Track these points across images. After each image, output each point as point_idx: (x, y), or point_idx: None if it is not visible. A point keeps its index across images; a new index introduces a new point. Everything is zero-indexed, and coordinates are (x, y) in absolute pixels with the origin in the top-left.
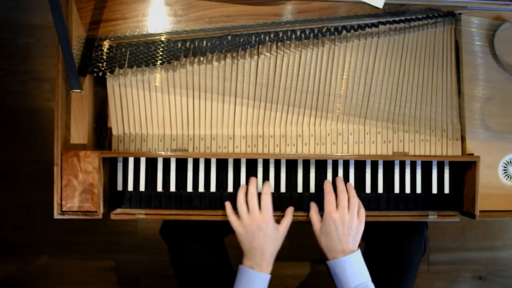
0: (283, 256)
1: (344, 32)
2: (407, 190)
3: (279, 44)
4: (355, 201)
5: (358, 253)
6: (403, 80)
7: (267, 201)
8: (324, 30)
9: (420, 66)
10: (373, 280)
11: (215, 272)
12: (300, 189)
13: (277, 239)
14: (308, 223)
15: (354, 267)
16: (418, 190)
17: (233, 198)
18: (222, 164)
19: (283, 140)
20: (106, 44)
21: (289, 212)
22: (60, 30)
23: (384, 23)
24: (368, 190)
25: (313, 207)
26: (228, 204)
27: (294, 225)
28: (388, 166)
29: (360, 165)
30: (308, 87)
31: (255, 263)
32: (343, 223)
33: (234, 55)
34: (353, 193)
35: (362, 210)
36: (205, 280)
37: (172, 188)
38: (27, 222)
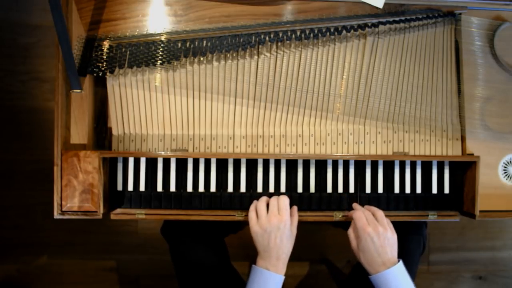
0: None
1: (344, 32)
2: (407, 190)
3: (279, 44)
4: (381, 213)
5: (400, 265)
6: (403, 80)
7: (285, 202)
8: (324, 30)
9: (420, 66)
10: None
11: (215, 271)
12: (300, 189)
13: (292, 240)
14: (308, 223)
15: (397, 280)
16: (418, 190)
17: (233, 198)
18: (222, 164)
19: (283, 140)
20: (106, 44)
21: (295, 211)
22: (60, 30)
23: (384, 23)
24: (368, 190)
25: (352, 224)
26: (254, 202)
27: None
28: (388, 166)
29: (360, 165)
30: (308, 87)
31: (270, 263)
32: (378, 234)
33: (234, 55)
34: (374, 208)
35: (389, 220)
36: (206, 279)
37: (172, 188)
38: (27, 222)
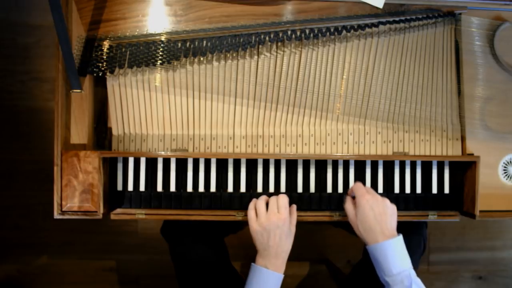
0: None
1: (344, 32)
2: (407, 190)
3: (279, 44)
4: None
5: (400, 238)
6: (403, 80)
7: (284, 200)
8: (324, 30)
9: (420, 66)
10: (373, 280)
11: (216, 271)
12: (300, 189)
13: (291, 238)
14: (308, 223)
15: (396, 252)
16: (418, 190)
17: (233, 198)
18: (222, 164)
19: (283, 140)
20: (106, 44)
21: (294, 210)
22: (60, 30)
23: (384, 23)
24: None
25: (349, 199)
26: (253, 200)
27: None
28: (388, 166)
29: (360, 165)
30: (308, 87)
31: (269, 262)
32: (377, 201)
33: (234, 55)
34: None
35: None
36: (206, 279)
37: (172, 188)
38: (27, 222)
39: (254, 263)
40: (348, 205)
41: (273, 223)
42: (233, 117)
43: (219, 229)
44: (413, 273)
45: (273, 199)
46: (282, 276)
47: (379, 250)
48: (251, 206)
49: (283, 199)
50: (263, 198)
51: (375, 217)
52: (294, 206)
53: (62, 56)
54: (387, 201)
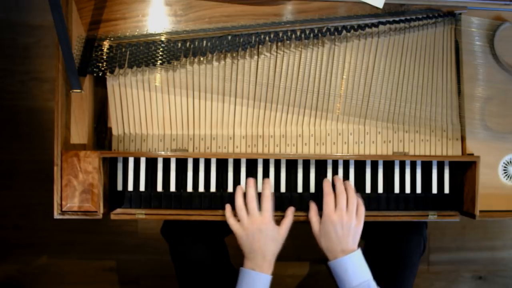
0: (283, 256)
1: (344, 32)
2: (407, 190)
3: (279, 44)
4: (354, 201)
5: (359, 252)
6: (403, 80)
7: (268, 203)
8: (324, 30)
9: (420, 66)
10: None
11: (216, 271)
12: (300, 189)
13: (277, 241)
14: (309, 223)
15: (355, 266)
16: (418, 190)
17: (232, 198)
18: (222, 164)
19: (283, 140)
20: (106, 44)
21: (290, 212)
22: (60, 30)
23: (384, 23)
24: (368, 190)
25: (313, 208)
26: (228, 207)
27: (294, 225)
28: (388, 166)
29: (360, 165)
30: (308, 87)
31: (256, 264)
32: (342, 224)
33: (234, 55)
34: (351, 193)
35: (362, 208)
36: (206, 279)
37: (172, 188)
38: (27, 222)
39: (242, 266)
40: (313, 216)
41: (255, 227)
42: (233, 117)
43: (219, 229)
44: (372, 283)
45: (251, 202)
46: (269, 277)
47: (339, 266)
48: (228, 214)
49: (267, 202)
50: (240, 200)
51: (338, 238)
52: (291, 209)
53: (62, 56)
54: (352, 222)
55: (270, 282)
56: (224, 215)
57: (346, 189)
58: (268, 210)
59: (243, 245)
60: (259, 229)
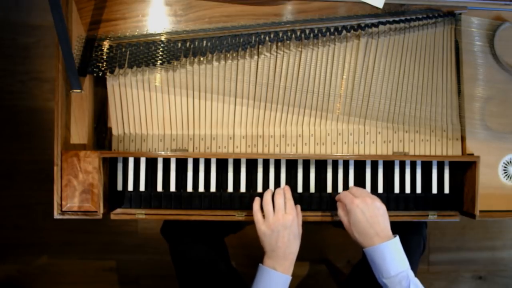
0: None
1: (344, 32)
2: (407, 190)
3: (279, 44)
4: (364, 189)
5: (397, 240)
6: (403, 80)
7: (291, 201)
8: (324, 30)
9: (420, 66)
10: (373, 280)
11: (216, 271)
12: (300, 189)
13: (299, 239)
14: (308, 223)
15: (394, 254)
16: (418, 190)
17: (233, 198)
18: (222, 164)
19: (283, 140)
20: (106, 44)
21: (298, 210)
22: (60, 30)
23: (384, 23)
24: (368, 190)
25: (340, 205)
26: (257, 200)
27: None
28: (388, 166)
29: (360, 165)
30: (308, 87)
31: (278, 263)
32: (367, 204)
33: (234, 55)
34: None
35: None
36: (206, 279)
37: (172, 188)
38: (27, 222)
39: (261, 264)
40: (341, 212)
41: (281, 223)
42: (233, 117)
43: (219, 229)
44: (411, 273)
45: (279, 198)
46: (290, 278)
47: (377, 253)
48: (256, 207)
49: (290, 199)
50: (268, 199)
51: (367, 220)
52: (299, 207)
53: (62, 56)
54: (377, 201)
55: (289, 283)
56: (223, 215)
57: (354, 187)
58: (293, 207)
59: (265, 242)
60: (285, 226)
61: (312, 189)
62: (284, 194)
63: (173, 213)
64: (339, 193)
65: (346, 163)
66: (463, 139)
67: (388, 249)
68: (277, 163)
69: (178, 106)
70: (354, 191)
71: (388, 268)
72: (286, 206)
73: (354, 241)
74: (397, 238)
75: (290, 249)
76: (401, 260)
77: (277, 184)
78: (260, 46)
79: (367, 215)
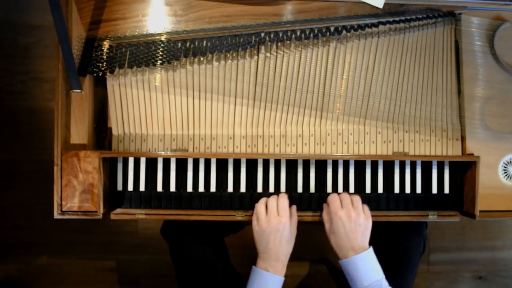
0: None
1: (344, 32)
2: (407, 190)
3: (279, 44)
4: (358, 198)
5: (370, 251)
6: (403, 80)
7: (285, 203)
8: (324, 30)
9: (420, 66)
10: None
11: (216, 271)
12: (300, 189)
13: (291, 241)
14: (308, 223)
15: (367, 265)
16: (418, 190)
17: (233, 198)
18: (222, 164)
19: (283, 140)
20: (106, 44)
21: (294, 211)
22: (60, 30)
23: (384, 23)
24: (368, 190)
25: (326, 208)
26: (260, 201)
27: None
28: (388, 166)
29: (360, 165)
30: (308, 87)
31: (270, 265)
32: (350, 219)
33: (234, 55)
34: (354, 195)
35: (366, 206)
36: (206, 279)
37: (172, 188)
38: (27, 222)
39: (254, 265)
40: (325, 215)
41: (273, 226)
42: (233, 117)
43: (219, 229)
44: (384, 283)
45: (272, 201)
46: (282, 279)
47: (350, 265)
48: (255, 210)
49: (283, 201)
50: (263, 200)
51: (346, 234)
52: (294, 207)
53: (62, 56)
54: (361, 217)
55: (282, 284)
56: (223, 215)
57: (346, 194)
58: (286, 209)
59: (258, 243)
60: (277, 228)
61: (312, 189)
62: (279, 197)
63: (173, 213)
64: (330, 194)
65: (346, 163)
66: (463, 139)
67: (361, 260)
68: (277, 163)
69: (178, 106)
70: (343, 199)
71: (362, 279)
72: (279, 208)
73: (330, 248)
74: (371, 249)
75: (282, 252)
76: (374, 270)
77: (277, 184)
78: (260, 46)
79: (347, 229)
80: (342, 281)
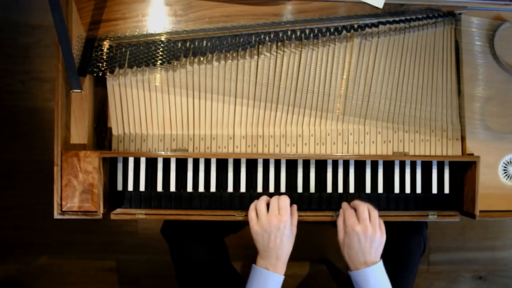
0: None
1: (344, 32)
2: (407, 190)
3: (279, 44)
4: (376, 213)
5: (381, 264)
6: (403, 80)
7: (286, 202)
8: (324, 30)
9: (420, 66)
10: None
11: (216, 271)
12: (300, 189)
13: (292, 240)
14: (308, 222)
15: (377, 278)
16: (418, 190)
17: (233, 198)
18: (222, 164)
19: (283, 140)
20: (106, 44)
21: (294, 210)
22: (60, 30)
23: (384, 23)
24: (368, 190)
25: (341, 215)
26: (255, 201)
27: None
28: (388, 166)
29: (360, 165)
30: (308, 87)
31: (270, 263)
32: (366, 235)
33: (234, 55)
34: (371, 206)
35: (382, 222)
36: (206, 279)
37: (172, 188)
38: (27, 222)
39: (254, 264)
40: (341, 223)
41: (274, 225)
42: (233, 117)
43: (219, 229)
44: None
45: (274, 200)
46: (282, 277)
47: (361, 277)
48: (252, 207)
49: (284, 200)
50: (264, 199)
51: (361, 249)
52: (295, 206)
53: (62, 56)
54: (377, 234)
55: (282, 283)
56: (223, 215)
57: (366, 205)
58: (286, 208)
59: (258, 242)
60: (278, 227)
61: (312, 189)
62: (279, 197)
63: (173, 213)
64: (347, 203)
65: (346, 163)
66: (463, 139)
67: (372, 273)
68: (277, 163)
69: (178, 106)
70: (360, 213)
71: None
72: (280, 207)
73: (341, 257)
74: (381, 262)
75: (283, 250)
76: (383, 283)
77: (277, 184)
78: (260, 46)
79: (362, 245)
80: (342, 281)
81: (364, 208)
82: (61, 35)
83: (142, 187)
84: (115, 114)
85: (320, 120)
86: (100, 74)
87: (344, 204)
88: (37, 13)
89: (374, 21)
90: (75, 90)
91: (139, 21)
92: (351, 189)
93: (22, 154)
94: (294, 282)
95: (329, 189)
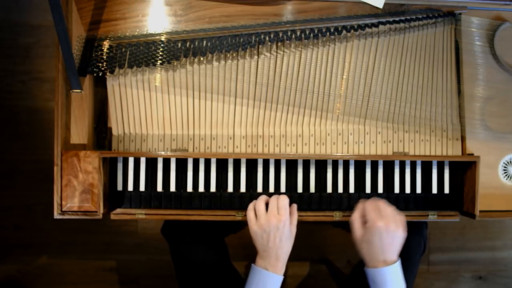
0: None
1: (344, 32)
2: (407, 190)
3: (279, 44)
4: (394, 208)
5: (399, 264)
6: (403, 80)
7: (285, 201)
8: (324, 30)
9: (420, 66)
10: None
11: (216, 271)
12: (300, 189)
13: (291, 240)
14: (308, 223)
15: (394, 278)
16: (418, 190)
17: (233, 198)
18: (222, 164)
19: (283, 140)
20: (106, 44)
21: (294, 210)
22: (60, 30)
23: (384, 23)
24: (368, 190)
25: (358, 210)
26: (253, 201)
27: None
28: (388, 166)
29: (360, 165)
30: (308, 87)
31: (269, 263)
32: (388, 231)
33: (234, 55)
34: (388, 203)
35: (404, 217)
36: (206, 279)
37: (172, 188)
38: (27, 222)
39: (254, 264)
40: (357, 218)
41: (273, 224)
42: (233, 117)
43: (219, 229)
44: None
45: (273, 199)
46: (282, 277)
47: (380, 276)
48: (250, 207)
49: (283, 200)
50: (263, 198)
51: (382, 246)
52: (294, 206)
53: (62, 56)
54: (399, 230)
55: (281, 283)
56: (223, 215)
57: (381, 200)
58: (286, 208)
59: (257, 242)
60: (277, 227)
61: (312, 189)
62: (278, 197)
63: (173, 213)
64: (366, 200)
65: (346, 163)
66: (463, 139)
67: (391, 272)
68: (277, 163)
69: (178, 106)
70: (382, 209)
71: None
72: (279, 206)
73: (356, 250)
74: (399, 262)
75: (282, 250)
76: (400, 282)
77: (277, 184)
78: (260, 46)
79: (383, 241)
80: (342, 281)
81: (385, 204)
82: (61, 35)
83: (142, 187)
84: (115, 114)
85: (320, 120)
86: (100, 74)
87: (363, 200)
88: (37, 13)
89: (374, 21)
90: (75, 90)
91: (139, 21)
92: (351, 189)
93: (22, 154)
94: (294, 282)
95: (329, 189)
